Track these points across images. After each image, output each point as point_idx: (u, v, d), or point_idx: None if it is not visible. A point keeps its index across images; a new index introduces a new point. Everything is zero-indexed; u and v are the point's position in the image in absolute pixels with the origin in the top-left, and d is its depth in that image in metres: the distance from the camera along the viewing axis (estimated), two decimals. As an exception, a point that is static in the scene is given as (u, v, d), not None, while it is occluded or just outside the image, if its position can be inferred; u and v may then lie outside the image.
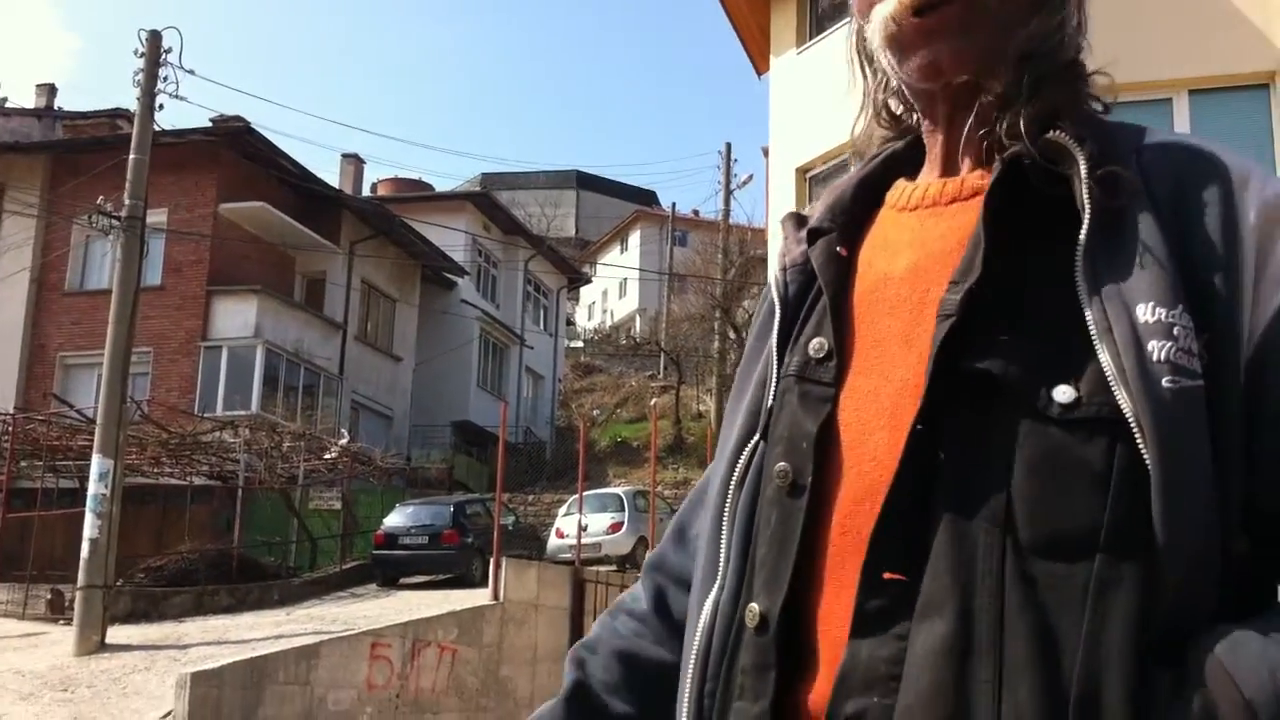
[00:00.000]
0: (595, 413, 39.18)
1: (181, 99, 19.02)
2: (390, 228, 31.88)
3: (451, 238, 34.21)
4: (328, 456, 24.44)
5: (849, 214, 1.22)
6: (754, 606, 1.08)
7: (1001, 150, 1.08)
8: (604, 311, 62.74)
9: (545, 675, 15.13)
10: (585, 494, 18.97)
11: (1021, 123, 1.07)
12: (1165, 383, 0.94)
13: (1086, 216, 1.02)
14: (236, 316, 27.07)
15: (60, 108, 36.13)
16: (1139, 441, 0.93)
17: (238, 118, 27.18)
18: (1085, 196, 1.02)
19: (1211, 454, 0.94)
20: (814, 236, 1.21)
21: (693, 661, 1.13)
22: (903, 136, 1.27)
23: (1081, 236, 1.02)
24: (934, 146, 1.20)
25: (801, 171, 13.70)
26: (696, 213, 51.79)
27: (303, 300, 30.45)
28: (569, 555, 18.89)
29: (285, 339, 27.86)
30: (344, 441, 25.24)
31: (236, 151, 27.90)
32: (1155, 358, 0.95)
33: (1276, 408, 0.96)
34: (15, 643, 16.18)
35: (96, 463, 15.89)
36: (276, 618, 17.39)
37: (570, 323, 53.73)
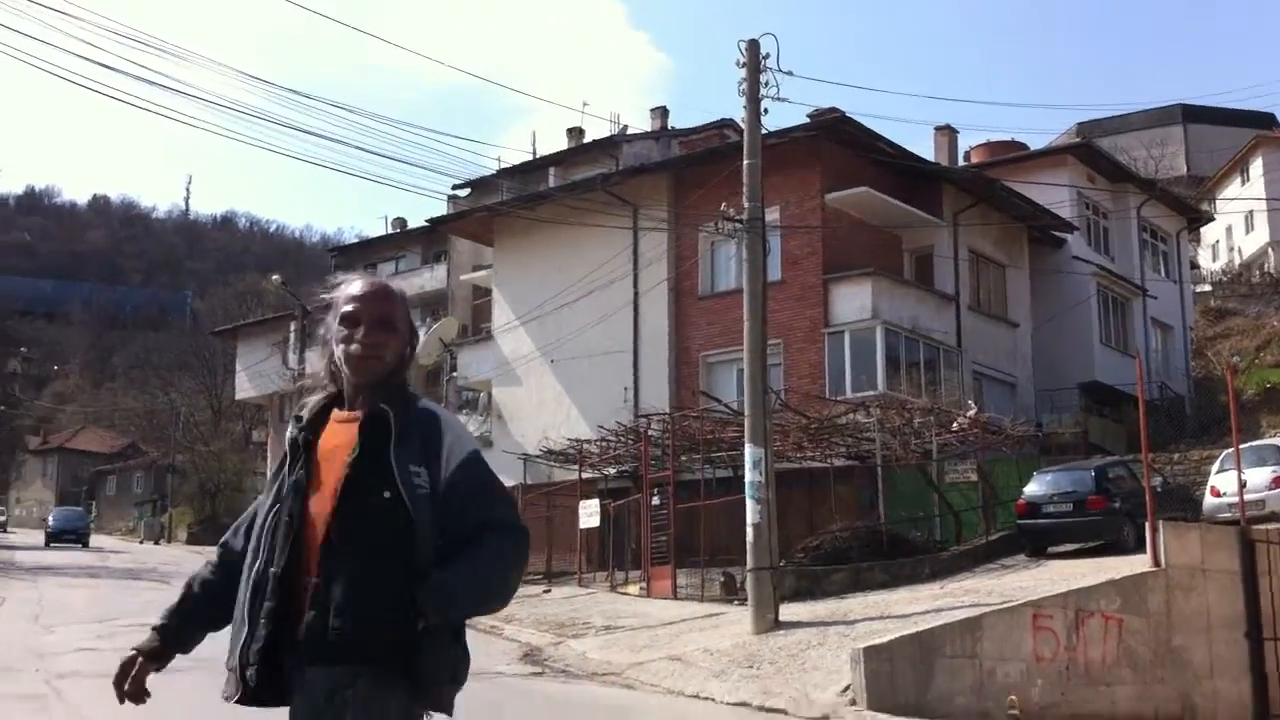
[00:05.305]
0: (1235, 359, 36.16)
1: (784, 100, 19.75)
2: (991, 193, 31.36)
3: (1054, 194, 33.08)
4: (955, 428, 24.52)
5: (315, 418, 3.13)
6: (272, 570, 2.98)
7: (367, 405, 3.07)
8: (1230, 250, 57.95)
9: (1222, 644, 14.19)
10: (1240, 447, 17.57)
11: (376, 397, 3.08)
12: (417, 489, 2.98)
13: (393, 430, 2.98)
14: (853, 300, 27.90)
15: (672, 126, 39.09)
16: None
17: (833, 109, 27.98)
18: (393, 424, 3.00)
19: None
20: (302, 425, 3.13)
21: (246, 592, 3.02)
22: (338, 387, 3.15)
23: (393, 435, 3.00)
24: (351, 396, 3.12)
25: None
26: (1330, 126, 46.28)
27: (912, 277, 30.77)
28: (1230, 514, 17.63)
29: (901, 317, 28.30)
30: (972, 412, 25.22)
31: (835, 141, 28.71)
32: (413, 483, 2.95)
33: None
34: (699, 623, 17.69)
35: (749, 451, 16.90)
36: (931, 590, 17.69)
37: (1194, 266, 50.15)
